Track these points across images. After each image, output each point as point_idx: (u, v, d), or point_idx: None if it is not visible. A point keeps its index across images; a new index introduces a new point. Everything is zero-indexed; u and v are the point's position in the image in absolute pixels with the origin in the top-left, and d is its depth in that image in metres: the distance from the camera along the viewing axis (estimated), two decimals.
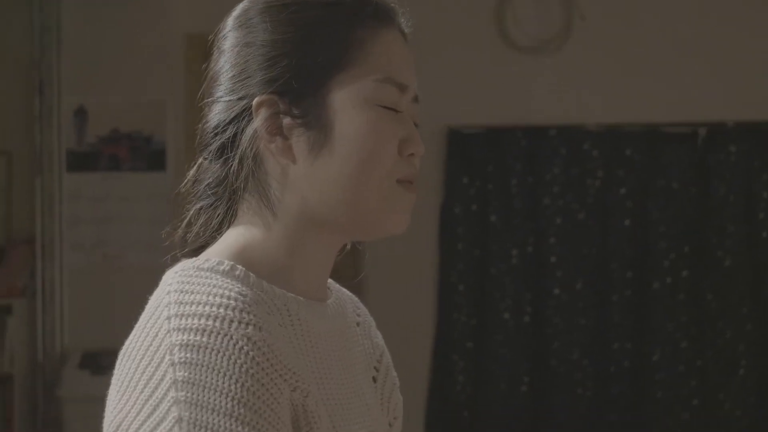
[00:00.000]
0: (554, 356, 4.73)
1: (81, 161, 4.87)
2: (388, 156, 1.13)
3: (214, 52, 1.19)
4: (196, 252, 1.20)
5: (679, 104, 4.78)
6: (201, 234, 1.20)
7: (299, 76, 1.12)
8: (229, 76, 1.15)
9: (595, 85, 4.79)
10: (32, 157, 4.88)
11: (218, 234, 1.19)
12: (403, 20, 1.19)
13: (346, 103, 1.12)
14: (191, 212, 1.20)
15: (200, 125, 1.19)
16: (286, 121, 1.12)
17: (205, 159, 1.18)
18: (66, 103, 4.87)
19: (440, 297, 4.81)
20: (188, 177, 1.21)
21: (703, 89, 4.78)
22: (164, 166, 4.79)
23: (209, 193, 1.18)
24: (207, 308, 1.03)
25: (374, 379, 1.28)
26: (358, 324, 1.29)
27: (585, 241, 4.75)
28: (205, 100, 1.18)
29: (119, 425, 1.05)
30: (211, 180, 1.18)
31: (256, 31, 1.14)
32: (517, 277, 4.75)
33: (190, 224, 1.21)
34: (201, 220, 1.20)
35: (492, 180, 4.78)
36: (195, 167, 1.20)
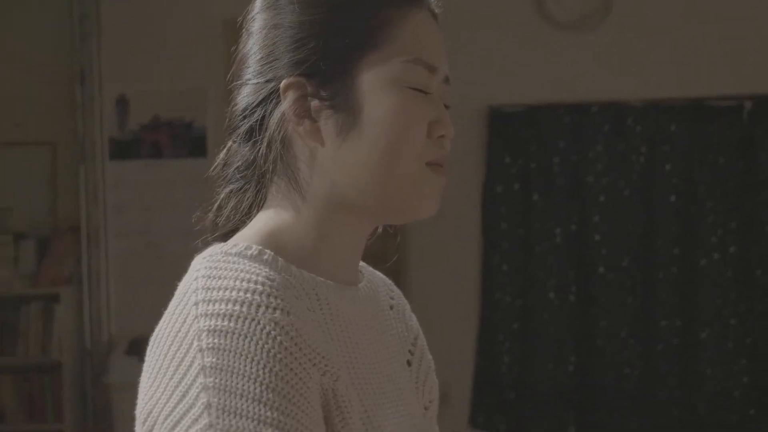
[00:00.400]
0: (601, 335, 4.70)
1: (123, 149, 4.91)
2: (417, 138, 1.11)
3: (243, 34, 1.18)
4: (227, 236, 1.19)
5: (724, 77, 4.70)
6: (231, 218, 1.19)
7: (327, 58, 1.10)
8: (257, 58, 1.14)
9: (637, 59, 4.73)
10: (75, 146, 4.93)
11: (248, 218, 1.18)
12: (433, 0, 1.17)
13: (375, 85, 1.10)
14: (221, 196, 1.19)
15: (229, 108, 1.18)
16: (314, 103, 1.11)
17: (234, 142, 1.18)
18: (107, 92, 4.90)
19: (484, 278, 4.79)
20: (218, 160, 1.21)
21: (749, 61, 4.71)
22: (205, 153, 4.81)
23: (238, 176, 1.17)
24: (234, 293, 1.02)
25: (409, 363, 1.26)
26: (391, 307, 1.27)
27: (630, 218, 4.70)
28: (234, 83, 1.17)
29: (150, 411, 1.05)
30: (240, 163, 1.17)
31: (284, 13, 1.13)
32: (561, 256, 4.71)
33: (220, 208, 1.20)
34: (231, 204, 1.19)
35: (534, 159, 4.74)
36: (224, 150, 1.20)
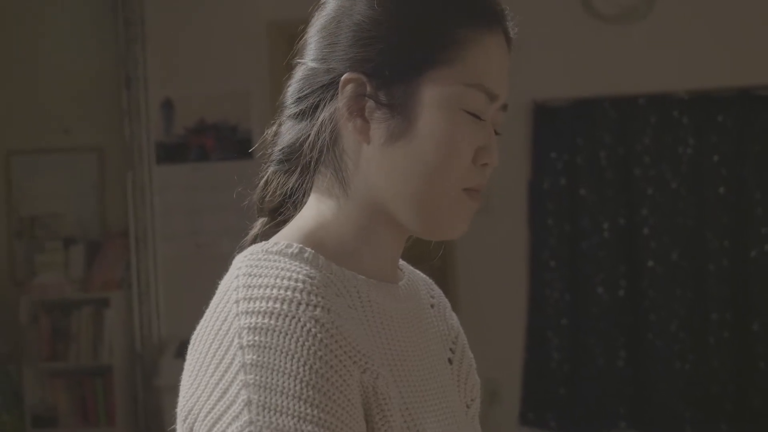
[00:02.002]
0: (651, 329, 4.66)
1: (170, 153, 4.94)
2: (461, 164, 1.10)
3: (317, 10, 1.16)
4: (272, 213, 1.20)
5: None
6: (276, 198, 1.19)
7: (393, 63, 1.09)
8: (323, 42, 1.13)
9: (682, 50, 4.68)
10: (123, 151, 4.97)
11: (292, 198, 1.17)
12: (510, 24, 1.16)
13: (433, 101, 1.09)
14: (269, 172, 1.19)
15: (287, 84, 1.17)
16: (370, 104, 1.10)
17: (284, 122, 1.17)
18: (153, 97, 4.94)
19: (532, 274, 4.77)
20: (266, 134, 1.20)
21: None
22: (251, 155, 4.82)
23: (283, 158, 1.17)
24: (275, 291, 1.02)
25: (450, 361, 1.25)
26: (432, 306, 1.26)
27: (679, 210, 4.66)
28: (296, 59, 1.16)
29: (191, 409, 1.05)
30: (285, 144, 1.16)
31: (359, 3, 1.12)
32: (609, 250, 4.68)
33: (267, 183, 1.20)
34: (276, 182, 1.19)
35: (581, 153, 4.71)
36: (275, 126, 1.19)
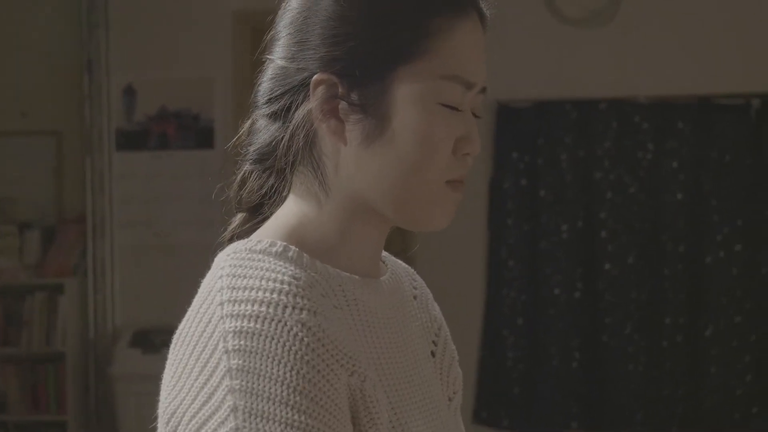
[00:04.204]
0: (606, 331, 4.70)
1: (130, 140, 4.90)
2: (440, 159, 1.09)
3: (282, 5, 1.14)
4: (251, 210, 1.17)
5: (732, 75, 4.70)
6: (254, 196, 1.17)
7: (363, 63, 1.07)
8: (292, 40, 1.11)
9: (645, 56, 4.72)
10: (82, 136, 4.92)
11: (270, 197, 1.16)
12: (484, 3, 1.14)
13: (408, 98, 1.07)
14: (244, 169, 1.17)
15: (257, 81, 1.15)
16: (343, 105, 1.08)
17: (257, 119, 1.15)
18: (114, 82, 4.89)
19: (490, 272, 4.79)
20: (242, 131, 1.18)
21: (757, 59, 4.70)
22: (212, 144, 4.79)
23: (259, 157, 1.15)
24: (260, 294, 1.01)
25: (432, 354, 1.24)
26: (415, 297, 1.25)
27: (636, 215, 4.70)
28: (265, 55, 1.14)
29: (174, 412, 1.04)
30: (261, 144, 1.14)
31: None
32: (567, 251, 4.71)
33: (244, 181, 1.18)
34: (253, 182, 1.17)
35: (541, 154, 4.73)
36: (248, 123, 1.17)
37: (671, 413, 4.68)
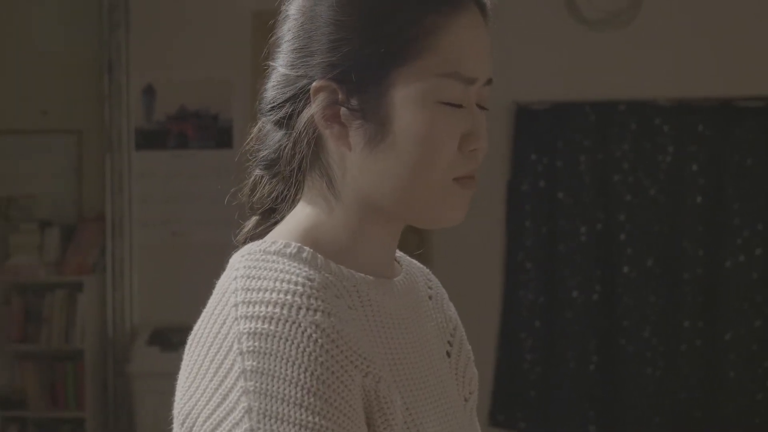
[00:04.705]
0: (624, 335, 4.68)
1: (149, 139, 4.92)
2: (445, 157, 1.08)
3: (282, 12, 1.14)
4: (264, 215, 1.18)
5: (753, 77, 4.67)
6: (265, 200, 1.18)
7: (360, 67, 1.07)
8: (291, 47, 1.11)
9: (665, 58, 4.70)
10: (102, 135, 4.94)
11: (283, 201, 1.16)
12: None
13: (407, 99, 1.07)
14: (255, 174, 1.18)
15: (261, 88, 1.16)
16: (344, 110, 1.08)
17: (265, 124, 1.16)
18: (134, 82, 4.91)
19: (507, 275, 4.78)
20: (250, 137, 1.19)
21: None
22: (231, 144, 4.82)
23: (267, 164, 1.16)
24: (274, 295, 1.02)
25: (448, 354, 1.24)
26: (430, 297, 1.26)
27: (656, 218, 4.68)
28: (267, 62, 1.15)
29: (189, 412, 1.04)
30: (268, 151, 1.15)
31: (322, 4, 1.09)
32: (585, 254, 4.69)
33: (255, 186, 1.19)
34: (264, 187, 1.18)
35: (560, 156, 4.72)
36: (256, 129, 1.18)
37: (690, 418, 4.66)
